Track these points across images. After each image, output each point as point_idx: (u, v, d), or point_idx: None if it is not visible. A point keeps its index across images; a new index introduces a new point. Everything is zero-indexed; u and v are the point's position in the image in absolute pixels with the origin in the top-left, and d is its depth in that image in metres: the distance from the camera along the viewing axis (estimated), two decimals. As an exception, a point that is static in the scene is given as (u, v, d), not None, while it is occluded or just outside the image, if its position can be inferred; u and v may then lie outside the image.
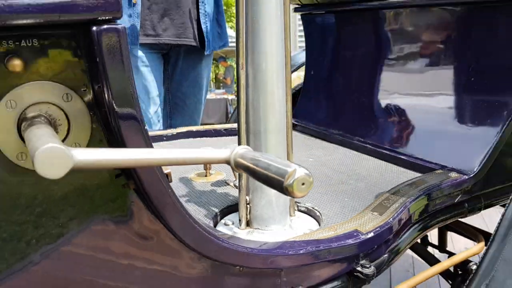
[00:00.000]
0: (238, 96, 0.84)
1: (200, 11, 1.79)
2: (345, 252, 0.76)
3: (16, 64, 0.45)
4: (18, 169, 0.50)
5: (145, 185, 0.53)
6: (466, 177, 1.01)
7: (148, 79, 1.84)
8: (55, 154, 0.37)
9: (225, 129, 1.55)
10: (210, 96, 7.56)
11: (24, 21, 0.42)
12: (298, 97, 1.74)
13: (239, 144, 0.85)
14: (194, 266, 0.62)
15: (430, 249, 1.55)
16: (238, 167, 0.46)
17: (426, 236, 1.52)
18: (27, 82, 0.48)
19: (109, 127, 0.51)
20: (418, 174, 1.08)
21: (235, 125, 1.59)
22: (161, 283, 0.61)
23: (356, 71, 1.43)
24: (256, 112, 0.83)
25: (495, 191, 1.06)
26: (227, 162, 0.47)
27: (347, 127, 1.40)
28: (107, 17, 0.43)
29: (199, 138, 1.53)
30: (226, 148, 0.47)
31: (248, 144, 0.86)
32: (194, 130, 1.55)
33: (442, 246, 1.60)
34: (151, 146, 0.53)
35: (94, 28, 0.44)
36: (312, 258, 0.73)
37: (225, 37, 1.92)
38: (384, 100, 1.31)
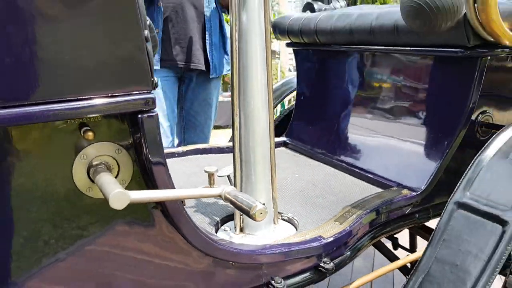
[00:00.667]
0: (233, 133, 1.11)
1: (206, 41, 2.07)
2: (311, 252, 1.03)
3: (89, 134, 0.73)
4: (86, 197, 0.78)
5: (168, 207, 0.81)
6: (415, 194, 1.28)
7: (161, 99, 2.13)
8: (120, 196, 0.65)
9: (227, 147, 1.83)
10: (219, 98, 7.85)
11: (97, 114, 0.70)
12: (291, 117, 2.01)
13: (234, 169, 1.13)
14: (200, 262, 0.90)
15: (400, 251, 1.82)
16: (226, 199, 0.74)
17: (397, 239, 1.79)
18: (94, 143, 0.76)
19: (145, 170, 0.79)
20: (380, 190, 1.35)
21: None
22: (175, 274, 0.89)
23: (336, 100, 1.70)
24: (246, 146, 1.10)
25: (441, 203, 1.33)
26: (220, 196, 0.75)
27: (328, 148, 1.67)
28: (147, 109, 0.72)
29: (205, 155, 1.80)
30: (220, 187, 0.75)
31: (241, 169, 1.13)
32: (201, 148, 1.83)
33: (412, 248, 1.88)
34: (171, 179, 0.81)
35: (139, 116, 0.72)
36: (286, 256, 1.01)
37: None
38: (356, 126, 1.59)
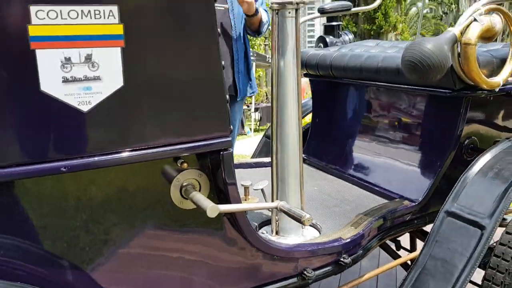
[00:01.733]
0: (271, 157, 1.43)
1: (234, 69, 2.33)
2: (333, 250, 1.35)
3: (184, 165, 1.05)
4: (178, 208, 1.10)
5: (236, 215, 1.13)
6: (414, 204, 1.60)
7: None
8: (214, 208, 0.97)
9: (255, 163, 2.15)
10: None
11: (192, 153, 1.02)
12: (307, 135, 2.33)
13: (272, 184, 1.45)
14: (254, 256, 1.21)
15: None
16: (281, 210, 1.06)
17: (399, 241, 2.10)
18: (185, 170, 1.08)
19: (220, 189, 1.11)
20: (385, 201, 1.67)
21: (261, 160, 2.18)
22: (237, 265, 1.21)
23: (346, 124, 2.02)
24: (282, 168, 1.42)
25: (435, 212, 1.64)
26: (276, 208, 1.07)
27: (341, 164, 1.99)
28: (226, 147, 1.04)
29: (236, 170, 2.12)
30: (275, 202, 1.07)
31: (277, 185, 1.44)
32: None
33: (412, 249, 2.19)
34: (239, 195, 1.13)
35: (221, 152, 1.04)
36: (314, 253, 1.32)
37: (255, 87, 2.50)
38: (364, 147, 1.91)
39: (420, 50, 1.29)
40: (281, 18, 1.35)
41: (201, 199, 1.00)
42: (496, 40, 1.55)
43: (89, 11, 0.85)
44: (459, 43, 1.38)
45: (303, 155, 2.22)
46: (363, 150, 1.92)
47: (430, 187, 1.60)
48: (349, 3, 2.32)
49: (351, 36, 2.45)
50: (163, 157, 1.02)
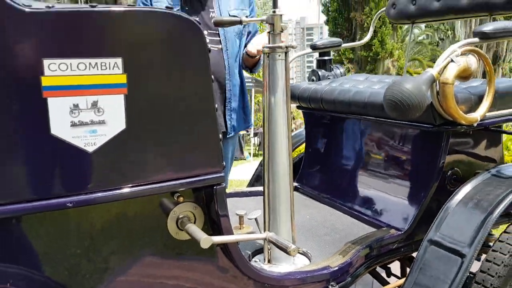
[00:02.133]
0: (264, 188, 1.52)
1: (226, 107, 2.32)
2: (322, 277, 1.43)
3: (180, 198, 1.14)
4: (174, 239, 1.18)
5: (228, 246, 1.21)
6: (400, 233, 1.68)
7: None
8: (207, 240, 1.05)
9: (250, 192, 2.23)
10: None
11: (188, 188, 1.11)
12: (301, 164, 2.42)
13: (264, 214, 1.53)
14: (245, 285, 1.29)
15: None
16: (269, 241, 1.14)
17: (390, 268, 2.16)
18: (181, 203, 1.17)
19: (213, 220, 1.19)
20: (373, 229, 1.75)
21: (256, 188, 2.27)
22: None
23: (337, 155, 2.11)
24: (273, 199, 1.50)
25: (421, 240, 1.72)
26: (265, 239, 1.15)
27: (333, 193, 2.07)
28: (219, 182, 1.13)
29: (231, 198, 2.20)
30: (264, 233, 1.15)
31: (269, 215, 1.53)
32: (227, 192, 2.23)
33: (403, 276, 2.26)
34: (231, 226, 1.21)
35: (214, 187, 1.12)
36: (304, 280, 1.39)
37: (250, 121, 2.52)
38: (355, 176, 2.00)
39: (400, 90, 1.39)
40: (272, 61, 1.46)
41: (196, 231, 1.09)
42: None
43: (96, 63, 0.96)
44: (437, 82, 1.49)
45: (297, 184, 2.32)
46: (353, 180, 2.01)
47: (415, 216, 1.69)
48: (339, 39, 2.44)
49: (342, 70, 2.57)
50: (161, 192, 1.11)
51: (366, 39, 2.58)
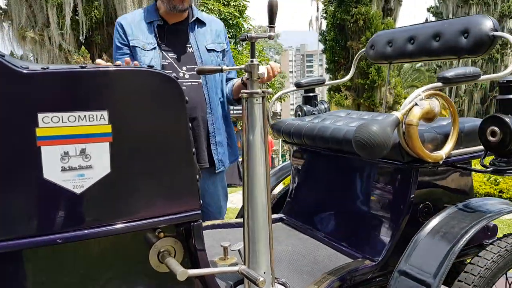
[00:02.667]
0: (243, 222, 1.63)
1: (210, 141, 2.31)
2: (297, 306, 1.52)
3: (161, 234, 1.25)
4: (155, 271, 1.29)
5: (205, 277, 1.31)
6: (374, 264, 1.77)
7: None
8: (183, 273, 1.16)
9: (236, 223, 2.34)
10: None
11: (168, 224, 1.23)
12: (287, 194, 2.53)
13: (245, 246, 1.63)
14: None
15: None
16: (241, 274, 1.25)
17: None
18: (162, 238, 1.28)
19: (192, 254, 1.30)
20: (350, 260, 1.85)
21: (241, 220, 2.37)
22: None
23: (319, 188, 2.23)
24: (253, 232, 1.61)
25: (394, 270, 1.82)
26: (238, 272, 1.26)
27: (315, 225, 2.18)
28: (197, 219, 1.24)
29: (220, 229, 2.31)
30: (237, 266, 1.26)
31: (249, 247, 1.63)
32: (216, 223, 2.33)
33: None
34: (208, 259, 1.32)
35: (192, 223, 1.24)
36: (279, 309, 1.49)
37: (236, 152, 2.53)
38: (334, 208, 2.11)
39: (367, 131, 1.52)
40: (250, 105, 1.59)
41: (174, 264, 1.20)
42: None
43: (85, 116, 1.09)
44: (403, 124, 1.61)
45: (282, 215, 2.42)
46: (333, 213, 2.12)
47: (388, 248, 1.79)
48: (323, 78, 2.60)
49: (326, 105, 2.71)
50: (143, 229, 1.22)
51: (348, 77, 2.73)
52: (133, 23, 2.19)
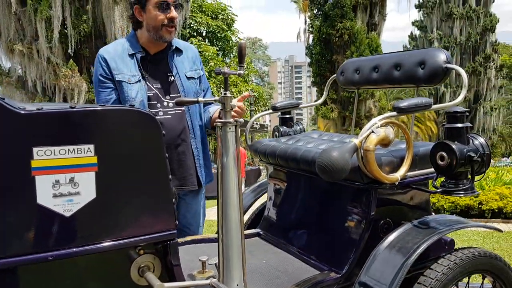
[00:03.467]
0: (218, 239, 1.79)
1: (196, 164, 2.46)
2: (265, 315, 1.68)
3: (141, 251, 1.41)
4: (136, 285, 1.45)
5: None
6: (339, 276, 1.95)
7: None
8: (160, 286, 1.32)
9: (215, 238, 2.49)
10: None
11: (147, 243, 1.39)
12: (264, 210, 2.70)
13: (219, 260, 1.80)
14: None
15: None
16: (211, 287, 1.41)
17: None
18: (143, 254, 1.44)
19: (169, 269, 1.46)
20: (317, 272, 2.02)
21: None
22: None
23: (292, 205, 2.40)
24: (226, 247, 1.78)
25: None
26: (209, 285, 1.42)
27: (288, 239, 2.35)
28: (172, 238, 1.41)
29: (199, 244, 2.46)
30: (209, 279, 1.42)
31: (223, 261, 1.79)
32: (195, 239, 2.49)
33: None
34: (183, 274, 1.48)
35: (168, 242, 1.40)
36: (249, 318, 1.65)
37: (211, 174, 2.59)
38: (304, 224, 2.28)
39: (328, 156, 1.70)
40: (224, 133, 1.77)
41: (152, 278, 1.36)
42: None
43: (74, 149, 1.25)
44: (362, 149, 1.80)
45: (259, 230, 2.59)
46: (304, 228, 2.29)
47: (352, 261, 1.96)
48: (297, 101, 2.79)
49: (301, 126, 2.90)
50: (126, 246, 1.38)
51: (321, 100, 2.93)
52: (116, 56, 2.25)
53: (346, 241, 2.04)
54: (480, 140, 1.86)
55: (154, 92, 2.29)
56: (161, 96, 2.31)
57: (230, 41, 22.37)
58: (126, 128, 1.33)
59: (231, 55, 22.84)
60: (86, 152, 1.27)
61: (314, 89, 15.22)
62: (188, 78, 2.39)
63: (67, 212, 1.27)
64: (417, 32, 28.59)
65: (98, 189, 1.30)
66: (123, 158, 1.34)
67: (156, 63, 2.34)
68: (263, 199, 3.13)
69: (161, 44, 2.33)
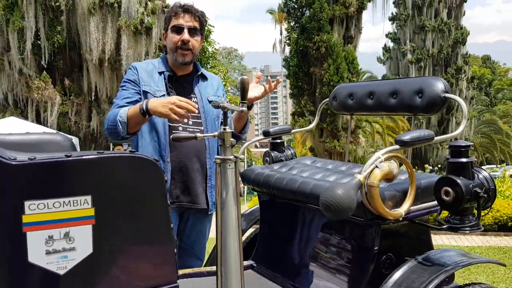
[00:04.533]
0: (216, 275, 1.70)
1: (207, 184, 2.46)
2: None
3: None
4: None
5: None
6: (341, 314, 1.87)
7: None
8: None
9: (207, 272, 2.39)
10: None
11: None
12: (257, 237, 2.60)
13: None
14: None
15: None
16: None
17: None
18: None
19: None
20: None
21: (212, 268, 2.43)
22: None
23: (287, 236, 2.32)
24: (225, 280, 1.68)
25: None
26: None
27: (284, 272, 2.26)
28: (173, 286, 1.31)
29: (196, 278, 2.35)
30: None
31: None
32: (187, 273, 2.38)
33: None
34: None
35: (170, 294, 1.30)
36: None
37: None
38: (302, 258, 2.20)
39: (332, 194, 1.63)
40: (223, 169, 1.68)
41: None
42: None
43: (70, 201, 1.14)
44: (365, 184, 1.74)
45: (252, 262, 2.50)
46: (301, 263, 2.21)
47: None
48: (289, 127, 2.72)
49: (292, 151, 2.83)
50: None
51: (313, 125, 2.87)
52: (147, 70, 2.41)
53: (347, 277, 1.96)
54: (484, 174, 1.82)
55: None
56: None
57: (207, 52, 22.29)
58: (126, 176, 1.22)
59: (208, 66, 22.76)
60: (83, 204, 1.16)
61: (291, 101, 15.26)
62: (210, 102, 2.46)
63: (61, 270, 1.16)
64: (390, 44, 29.13)
65: (95, 244, 1.19)
66: (122, 209, 1.23)
67: (181, 84, 2.47)
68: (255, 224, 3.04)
69: (185, 68, 2.47)
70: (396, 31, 28.58)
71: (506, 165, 22.01)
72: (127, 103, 2.31)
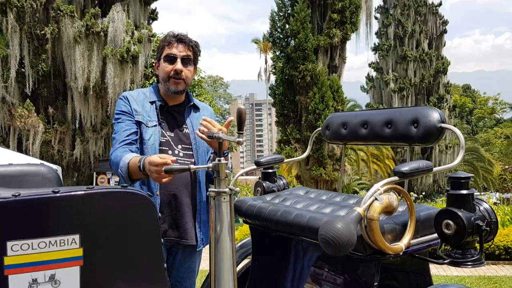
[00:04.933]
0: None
1: (196, 219, 2.37)
2: None
3: None
4: None
5: None
6: None
7: None
8: None
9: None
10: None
11: None
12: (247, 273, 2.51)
13: None
14: None
15: None
16: None
17: None
18: None
19: None
20: None
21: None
22: None
23: (281, 269, 2.23)
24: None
25: None
26: None
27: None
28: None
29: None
30: None
31: None
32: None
33: None
34: None
35: None
36: None
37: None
38: (299, 295, 2.11)
39: (332, 229, 1.56)
40: (218, 202, 1.61)
41: None
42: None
43: (56, 241, 1.06)
44: (365, 218, 1.68)
45: (244, 296, 2.39)
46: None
47: None
48: (281, 156, 2.66)
49: (284, 181, 2.77)
50: None
51: (305, 155, 2.82)
52: (138, 100, 2.36)
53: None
54: (485, 205, 1.78)
55: (166, 139, 2.33)
56: (173, 144, 2.34)
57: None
58: (117, 213, 1.14)
59: (194, 94, 22.83)
60: (70, 244, 1.08)
61: (274, 127, 15.26)
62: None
63: (45, 316, 1.06)
64: (373, 73, 29.60)
65: (83, 287, 1.10)
66: (112, 248, 1.15)
67: (172, 114, 2.41)
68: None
69: (176, 98, 2.43)
70: (378, 60, 29.10)
71: (490, 192, 22.21)
72: (127, 136, 2.25)
